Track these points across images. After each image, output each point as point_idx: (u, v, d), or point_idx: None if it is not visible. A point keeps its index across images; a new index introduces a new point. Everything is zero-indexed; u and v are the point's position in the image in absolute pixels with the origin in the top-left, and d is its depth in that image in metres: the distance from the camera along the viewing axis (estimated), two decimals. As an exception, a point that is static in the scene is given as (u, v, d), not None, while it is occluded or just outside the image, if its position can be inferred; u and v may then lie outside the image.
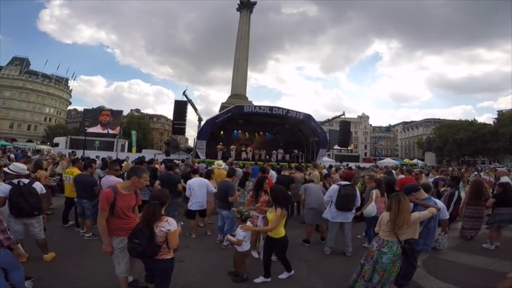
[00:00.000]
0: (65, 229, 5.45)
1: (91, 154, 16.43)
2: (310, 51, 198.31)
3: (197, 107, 23.52)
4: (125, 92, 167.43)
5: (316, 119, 22.52)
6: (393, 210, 3.13)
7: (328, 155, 29.60)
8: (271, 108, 20.65)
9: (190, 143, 44.87)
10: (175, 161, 15.85)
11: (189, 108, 22.66)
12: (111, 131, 29.74)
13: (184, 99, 21.80)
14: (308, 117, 21.32)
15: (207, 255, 4.53)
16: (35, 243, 3.67)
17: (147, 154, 21.20)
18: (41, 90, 60.54)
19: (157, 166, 9.49)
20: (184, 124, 22.10)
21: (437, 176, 9.24)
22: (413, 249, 3.35)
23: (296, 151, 23.31)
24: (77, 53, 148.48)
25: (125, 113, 45.78)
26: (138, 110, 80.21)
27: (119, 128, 30.84)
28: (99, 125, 29.85)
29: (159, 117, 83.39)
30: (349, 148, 35.71)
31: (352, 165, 23.16)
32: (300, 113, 21.00)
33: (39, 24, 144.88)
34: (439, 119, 69.18)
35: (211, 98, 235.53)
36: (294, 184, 7.49)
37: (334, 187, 4.97)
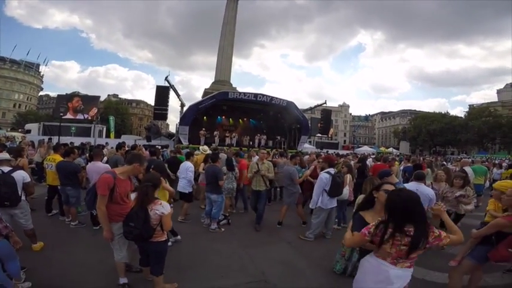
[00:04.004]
0: (49, 218, 5.35)
1: (67, 140, 15.77)
2: (296, 39, 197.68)
3: (179, 92, 23.06)
4: (101, 77, 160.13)
5: (299, 107, 22.81)
6: (368, 193, 3.46)
7: (309, 142, 30.23)
8: (255, 95, 20.70)
9: (171, 129, 44.09)
10: (157, 146, 15.72)
11: (171, 93, 22.16)
12: (86, 116, 28.40)
13: (167, 84, 21.23)
14: (291, 104, 21.60)
15: (196, 239, 4.66)
16: (23, 233, 3.59)
17: (127, 140, 20.54)
18: (9, 76, 58.16)
19: (140, 152, 9.43)
20: (166, 110, 21.65)
21: (408, 165, 9.89)
22: None
23: (279, 137, 23.70)
24: (48, 38, 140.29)
25: (102, 99, 43.79)
26: (115, 95, 76.66)
27: (96, 112, 29.53)
28: (69, 112, 28.31)
29: (138, 102, 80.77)
30: (329, 135, 36.65)
31: (332, 152, 24.06)
32: (283, 100, 21.22)
33: (6, 9, 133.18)
34: (415, 110, 72.17)
35: (192, 83, 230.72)
36: (277, 168, 7.81)
37: (326, 176, 4.93)
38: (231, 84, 30.05)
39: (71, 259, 3.62)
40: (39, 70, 65.33)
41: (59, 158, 5.37)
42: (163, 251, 2.85)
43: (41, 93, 70.10)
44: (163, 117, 22.30)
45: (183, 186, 5.69)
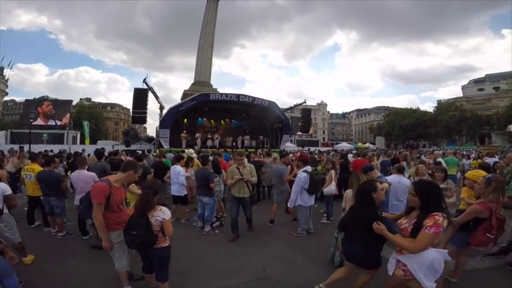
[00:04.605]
0: (33, 230, 5.11)
1: (39, 148, 14.89)
2: (275, 39, 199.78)
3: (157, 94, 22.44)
4: (72, 80, 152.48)
5: (279, 106, 23.18)
6: (354, 186, 3.66)
7: (291, 141, 30.83)
8: (237, 96, 20.70)
9: (149, 132, 42.96)
10: (137, 151, 15.31)
11: (150, 96, 21.49)
12: (59, 122, 26.86)
13: (145, 86, 20.61)
14: (273, 104, 21.84)
15: (191, 242, 4.66)
16: (11, 247, 3.43)
17: (104, 145, 19.82)
18: (-32, 80, 52.27)
19: (122, 157, 9.14)
20: (145, 113, 20.95)
21: (385, 159, 10.40)
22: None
23: (261, 137, 23.87)
24: (13, 39, 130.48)
25: (74, 103, 41.62)
26: (88, 99, 73.28)
27: (68, 117, 28.01)
28: (40, 117, 26.68)
29: (113, 105, 77.50)
30: (309, 133, 37.53)
31: (313, 149, 24.68)
32: (265, 100, 21.40)
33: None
34: (388, 106, 75.43)
35: (170, 85, 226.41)
36: (264, 168, 7.89)
37: (303, 175, 5.07)
38: (211, 85, 29.77)
39: (66, 271, 3.51)
40: (3, 74, 60.18)
41: (38, 167, 5.17)
42: (167, 257, 2.84)
43: (6, 98, 64.81)
44: (142, 120, 21.58)
45: (178, 190, 5.70)
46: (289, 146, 26.56)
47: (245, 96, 20.88)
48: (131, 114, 22.39)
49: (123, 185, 3.01)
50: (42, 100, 31.08)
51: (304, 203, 4.99)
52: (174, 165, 6.01)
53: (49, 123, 26.54)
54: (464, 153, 17.16)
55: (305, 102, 29.35)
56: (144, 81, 20.37)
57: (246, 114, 24.02)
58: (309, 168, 5.21)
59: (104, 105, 75.00)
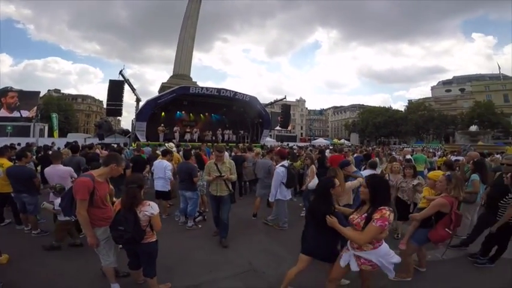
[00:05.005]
0: (4, 228, 4.83)
1: (2, 141, 13.81)
2: (258, 34, 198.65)
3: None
4: (39, 70, 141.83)
5: (260, 101, 23.30)
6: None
7: (270, 135, 31.22)
8: (218, 90, 20.47)
9: (124, 125, 41.44)
10: (113, 144, 14.72)
11: (126, 88, 20.63)
12: (24, 114, 24.98)
13: (121, 78, 19.73)
14: (254, 99, 21.90)
15: (175, 237, 4.63)
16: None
17: (75, 138, 18.81)
18: None
19: (98, 151, 8.77)
20: (121, 105, 20.08)
21: (358, 155, 10.91)
22: None
23: (242, 131, 23.93)
24: None
25: (41, 94, 38.91)
26: (57, 90, 68.58)
27: (35, 109, 26.13)
28: (3, 108, 24.74)
29: (85, 97, 73.67)
30: (288, 129, 38.09)
31: (292, 144, 25.18)
32: (246, 95, 21.39)
33: None
34: (363, 104, 78.25)
35: (147, 77, 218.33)
36: (246, 162, 7.98)
37: (281, 169, 5.25)
38: (191, 78, 29.22)
39: (47, 270, 3.37)
40: (-37, 65, 55.17)
41: (7, 162, 4.86)
42: (155, 252, 2.82)
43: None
44: (118, 113, 20.65)
45: (162, 185, 5.63)
46: (268, 140, 26.87)
47: (226, 90, 20.70)
48: (105, 106, 21.39)
49: (106, 180, 2.91)
50: (5, 91, 28.71)
51: (283, 196, 5.20)
52: (160, 160, 5.92)
53: (13, 114, 24.65)
54: (431, 150, 18.38)
55: (285, 98, 29.66)
56: (121, 73, 19.52)
57: (226, 109, 23.86)
58: (286, 162, 5.42)
59: (75, 97, 71.22)
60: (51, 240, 4.03)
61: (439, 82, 66.46)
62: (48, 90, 63.67)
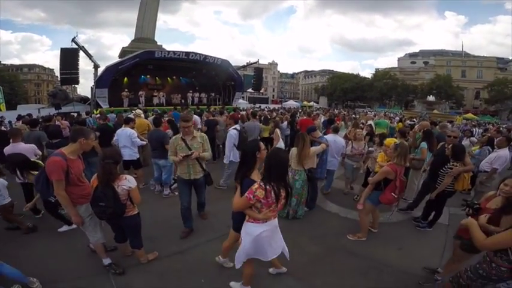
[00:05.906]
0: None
1: None
2: None
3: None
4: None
5: (232, 63, 22.56)
6: (299, 146, 4.13)
7: (243, 98, 30.89)
8: (187, 53, 19.28)
9: (81, 92, 38.39)
10: (72, 113, 13.71)
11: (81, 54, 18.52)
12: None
13: (74, 46, 17.69)
14: (226, 62, 21.17)
15: (154, 206, 4.65)
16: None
17: (27, 110, 17.18)
18: None
19: (58, 122, 8.13)
20: (77, 73, 18.22)
21: (327, 118, 11.44)
22: (314, 176, 4.50)
23: (213, 94, 23.39)
24: None
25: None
26: (-3, 62, 60.13)
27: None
28: None
29: (32, 66, 67.00)
30: (260, 91, 37.96)
31: (264, 106, 25.37)
32: (218, 58, 20.58)
33: None
34: (333, 70, 78.57)
35: (103, 42, 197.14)
36: (219, 126, 8.09)
37: (234, 132, 5.42)
38: (155, 42, 27.25)
39: (35, 252, 3.32)
40: None
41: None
42: (138, 224, 2.91)
43: None
44: (74, 81, 18.56)
45: (130, 153, 5.40)
46: (241, 102, 26.69)
47: (196, 54, 19.61)
48: (59, 75, 19.18)
49: (78, 156, 2.81)
50: None
51: (235, 158, 5.37)
52: (123, 128, 5.60)
53: None
54: (391, 115, 19.78)
55: (258, 61, 28.93)
56: (73, 40, 17.52)
57: (196, 72, 22.87)
58: (238, 126, 5.64)
59: (20, 67, 64.89)
60: (29, 222, 3.91)
61: (406, 54, 68.28)
62: (-13, 62, 55.87)
